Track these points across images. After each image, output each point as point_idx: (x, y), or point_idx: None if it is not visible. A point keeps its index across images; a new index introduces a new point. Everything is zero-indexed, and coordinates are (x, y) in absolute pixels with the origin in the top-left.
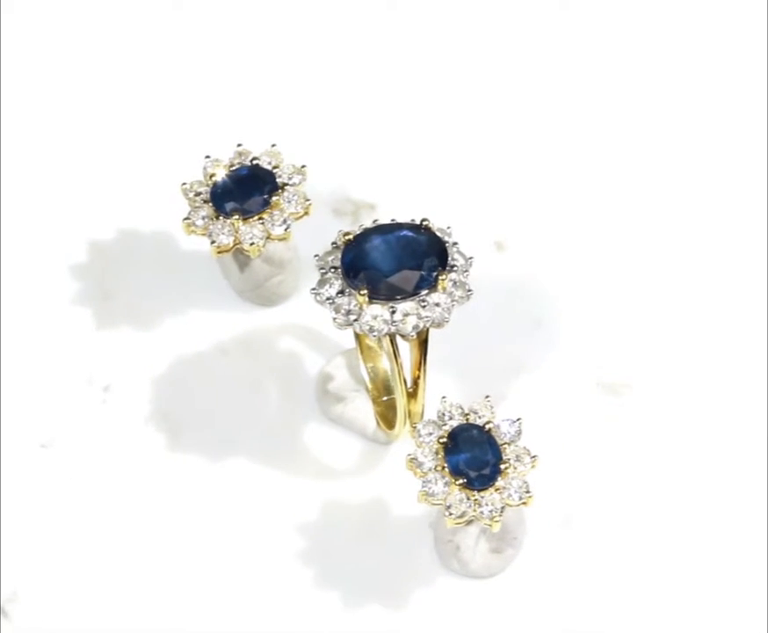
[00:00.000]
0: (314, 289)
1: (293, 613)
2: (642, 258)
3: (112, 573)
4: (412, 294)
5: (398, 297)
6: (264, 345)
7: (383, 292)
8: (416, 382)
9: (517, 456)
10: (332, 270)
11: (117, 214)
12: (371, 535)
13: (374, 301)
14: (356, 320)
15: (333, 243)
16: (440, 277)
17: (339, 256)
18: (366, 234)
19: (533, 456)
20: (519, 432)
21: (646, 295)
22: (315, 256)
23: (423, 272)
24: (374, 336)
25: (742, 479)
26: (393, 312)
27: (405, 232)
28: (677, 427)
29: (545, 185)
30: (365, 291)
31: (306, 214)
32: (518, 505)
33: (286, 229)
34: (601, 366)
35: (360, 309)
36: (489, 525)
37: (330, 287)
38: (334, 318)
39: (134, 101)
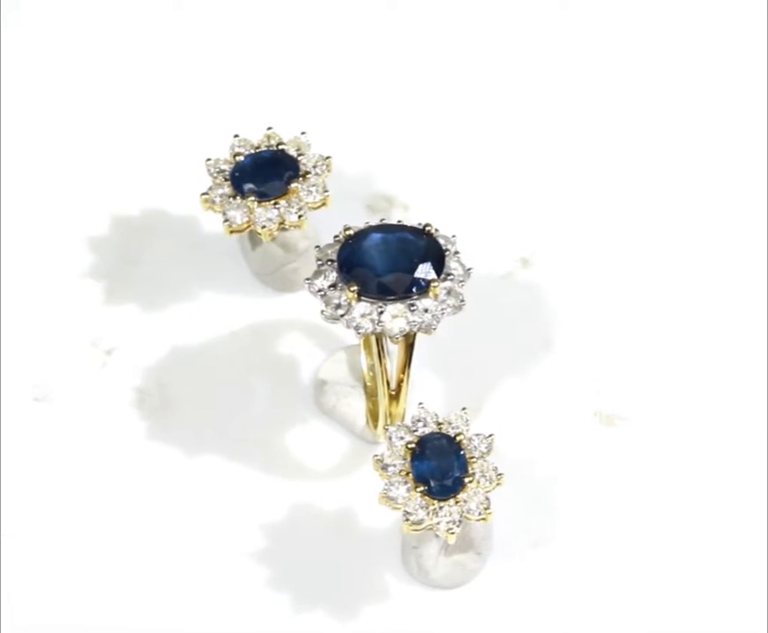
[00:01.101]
0: (308, 279)
1: (242, 611)
2: (662, 288)
3: (79, 531)
4: (403, 296)
5: (388, 298)
6: (272, 331)
7: (374, 291)
8: (399, 385)
9: (483, 472)
10: (329, 263)
11: (147, 188)
12: (339, 537)
13: (364, 298)
14: (343, 315)
15: (335, 237)
16: (433, 283)
17: (338, 249)
18: (367, 232)
19: (500, 474)
20: (490, 449)
21: (659, 328)
22: (316, 247)
23: (416, 276)
24: (360, 333)
25: (729, 515)
26: (381, 312)
27: (406, 235)
28: (668, 460)
29: (577, 206)
30: (356, 288)
31: (323, 205)
32: (477, 520)
33: (299, 217)
34: (600, 392)
35: (349, 305)
36: (445, 536)
37: (325, 279)
38: (322, 311)
39: (169, 78)
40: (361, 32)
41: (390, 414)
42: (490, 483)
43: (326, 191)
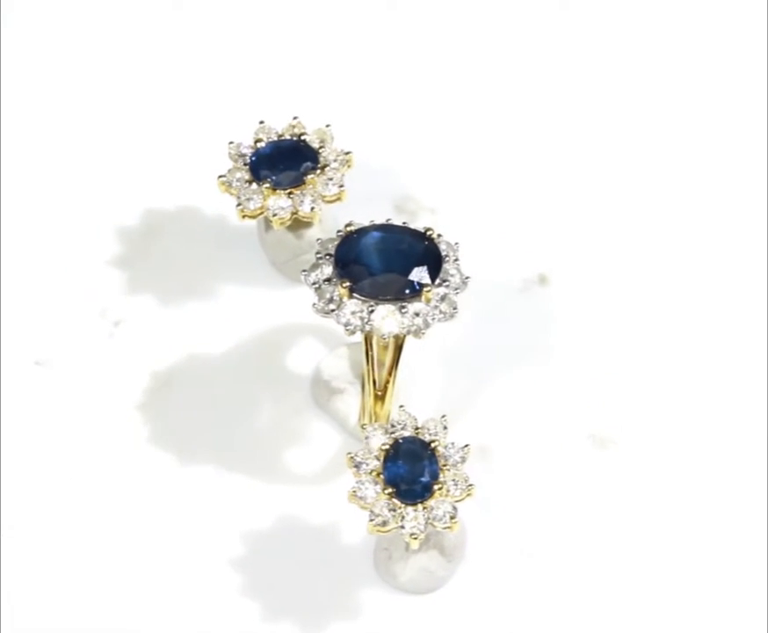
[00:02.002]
0: (304, 270)
1: (209, 614)
2: (665, 312)
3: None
4: (394, 298)
5: (380, 298)
6: (281, 321)
7: (366, 290)
8: (385, 386)
9: (454, 481)
10: (327, 256)
11: (172, 169)
12: (317, 539)
13: (356, 296)
14: (334, 310)
15: (338, 232)
16: (426, 288)
17: (337, 244)
18: (368, 230)
19: (470, 485)
20: (464, 459)
21: (663, 355)
22: (318, 240)
23: (410, 279)
24: (348, 330)
25: (724, 538)
26: (371, 311)
27: (406, 237)
28: (660, 484)
29: (596, 227)
30: (348, 284)
31: (338, 199)
32: (443, 529)
33: (312, 209)
34: (595, 417)
35: (341, 300)
36: (409, 541)
37: (321, 272)
38: (314, 303)
39: (203, 64)
40: (402, 36)
41: (375, 414)
42: (460, 492)
43: (342, 185)
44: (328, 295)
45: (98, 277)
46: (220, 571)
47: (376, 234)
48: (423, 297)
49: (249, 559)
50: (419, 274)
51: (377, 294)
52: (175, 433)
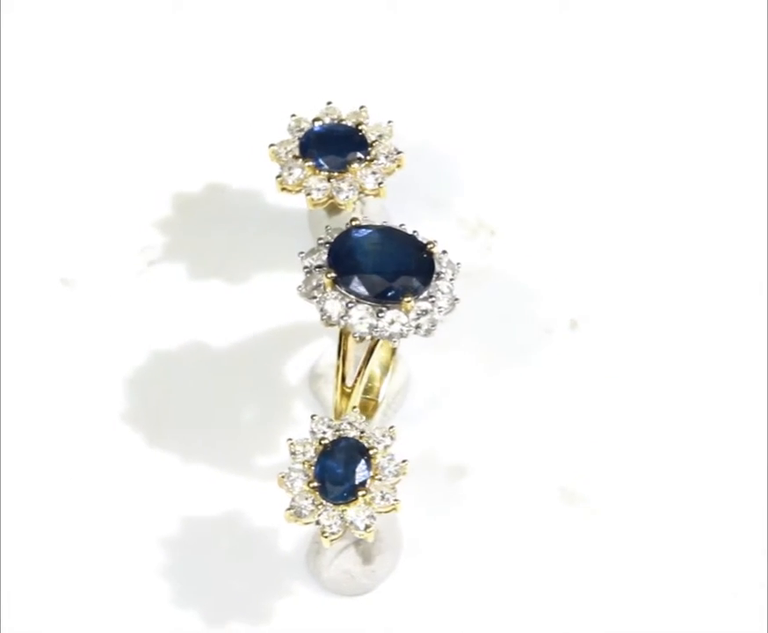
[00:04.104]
0: (301, 252)
1: (208, 614)
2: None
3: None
4: (374, 300)
5: (360, 296)
6: (297, 311)
7: (349, 285)
8: (353, 384)
9: (382, 492)
10: (327, 244)
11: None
12: (261, 534)
13: (338, 289)
14: (315, 298)
15: (347, 224)
16: (406, 298)
17: (338, 236)
18: (372, 228)
19: (396, 500)
20: (398, 474)
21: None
22: (326, 226)
23: (393, 285)
24: (323, 320)
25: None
26: (349, 307)
27: (406, 244)
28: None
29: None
30: (333, 275)
31: (377, 195)
32: (361, 536)
33: (346, 198)
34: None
35: (324, 290)
36: (320, 538)
37: (316, 258)
38: (299, 286)
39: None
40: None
41: (340, 409)
42: (385, 504)
43: (381, 182)
44: (315, 282)
45: (144, 215)
46: (220, 572)
47: (377, 234)
48: (402, 306)
49: (248, 559)
50: (405, 283)
51: (358, 292)
52: (177, 391)
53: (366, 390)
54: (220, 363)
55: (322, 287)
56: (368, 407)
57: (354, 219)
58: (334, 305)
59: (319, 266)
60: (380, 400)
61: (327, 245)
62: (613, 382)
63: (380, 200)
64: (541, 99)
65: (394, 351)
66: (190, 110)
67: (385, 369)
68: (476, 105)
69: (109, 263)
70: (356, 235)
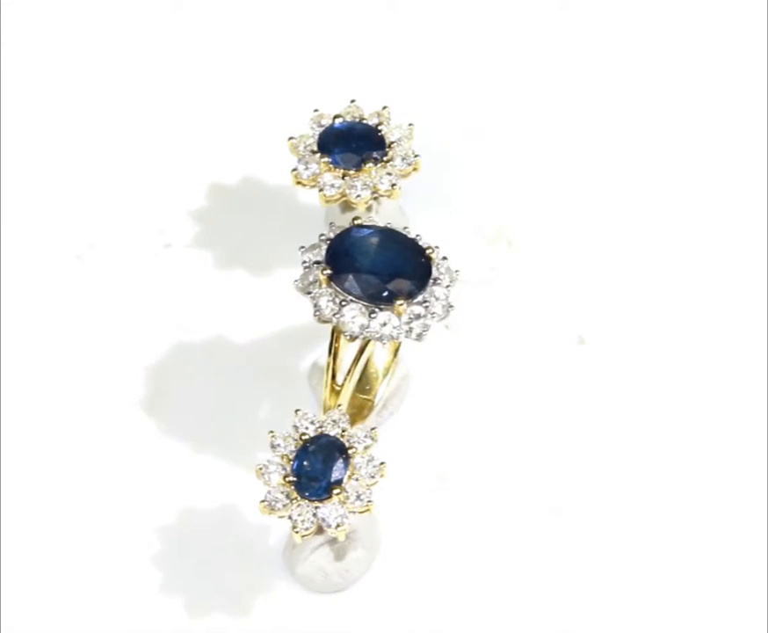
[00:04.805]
0: (301, 247)
1: (208, 613)
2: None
3: None
4: (368, 300)
5: (354, 295)
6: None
7: (344, 283)
8: (344, 382)
9: (357, 493)
10: (327, 240)
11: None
12: (252, 528)
13: (333, 286)
14: (310, 293)
15: (349, 223)
16: (398, 302)
17: (338, 233)
18: (373, 228)
19: (370, 501)
20: (374, 475)
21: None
22: (330, 223)
23: (388, 287)
24: (316, 316)
25: None
26: (342, 306)
27: (405, 247)
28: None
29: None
30: (329, 272)
31: (390, 196)
32: (333, 534)
33: (358, 197)
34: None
35: (320, 286)
36: (292, 533)
37: (315, 253)
38: (295, 280)
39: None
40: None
41: (328, 406)
42: (359, 505)
43: (393, 184)
44: (311, 277)
45: (170, 204)
46: (219, 569)
47: (376, 234)
48: (394, 309)
49: (248, 558)
50: (399, 286)
51: (353, 291)
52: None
53: (366, 391)
54: (227, 352)
55: (317, 283)
56: (365, 407)
57: (357, 218)
58: (327, 302)
59: (317, 262)
60: (376, 401)
61: (327, 242)
62: (615, 400)
63: (397, 201)
64: (568, 114)
65: (395, 353)
66: (218, 100)
67: (385, 371)
68: (507, 116)
69: (126, 243)
70: (355, 234)
